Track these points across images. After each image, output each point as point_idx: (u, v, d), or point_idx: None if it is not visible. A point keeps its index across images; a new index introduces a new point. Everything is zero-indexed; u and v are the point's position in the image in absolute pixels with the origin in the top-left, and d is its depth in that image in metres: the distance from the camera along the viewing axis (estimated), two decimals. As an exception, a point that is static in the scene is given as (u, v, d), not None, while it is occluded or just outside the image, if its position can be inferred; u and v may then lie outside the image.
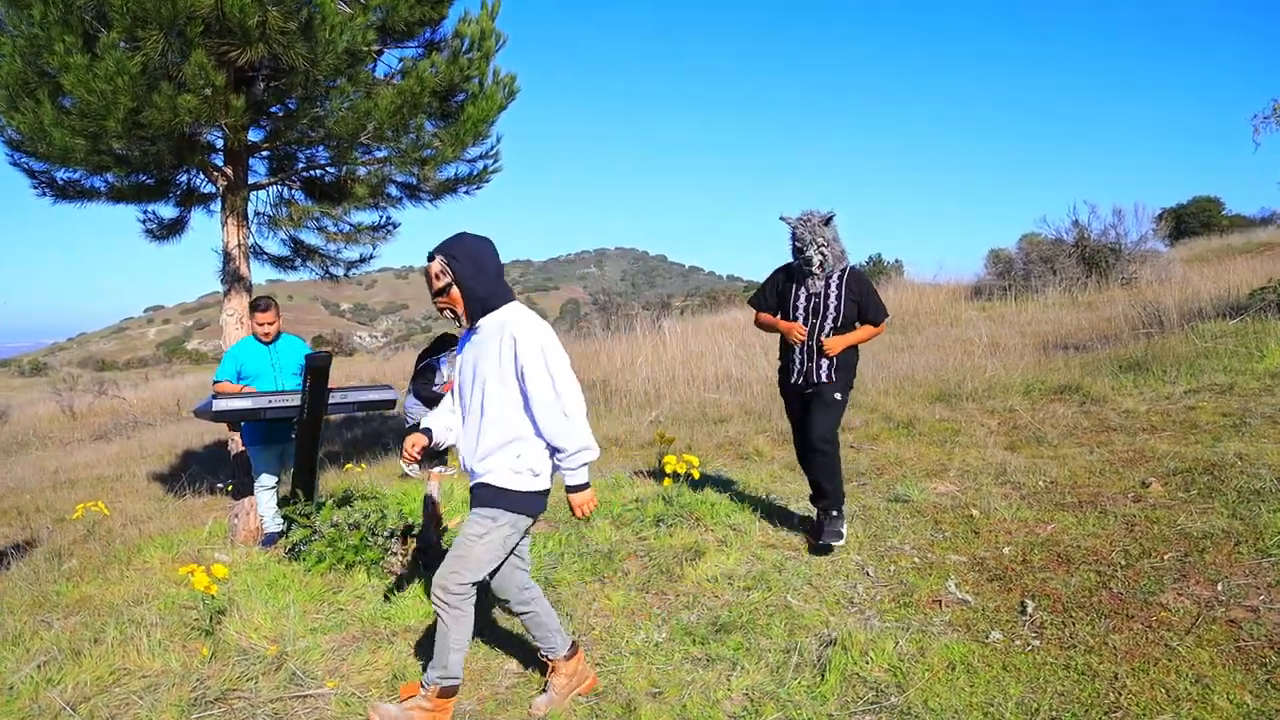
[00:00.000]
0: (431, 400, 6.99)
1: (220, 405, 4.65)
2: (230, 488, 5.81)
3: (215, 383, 5.36)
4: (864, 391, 8.72)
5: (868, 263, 29.06)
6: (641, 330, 15.56)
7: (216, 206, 5.85)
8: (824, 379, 4.19)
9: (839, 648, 3.17)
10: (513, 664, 3.32)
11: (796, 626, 3.49)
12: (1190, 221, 30.82)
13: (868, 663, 3.12)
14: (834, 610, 3.66)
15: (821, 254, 4.11)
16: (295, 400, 4.81)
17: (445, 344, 7.34)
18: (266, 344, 5.40)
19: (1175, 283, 14.21)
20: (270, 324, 5.37)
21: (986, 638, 3.28)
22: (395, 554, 4.35)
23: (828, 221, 4.14)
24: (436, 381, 7.16)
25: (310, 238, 6.26)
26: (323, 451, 9.43)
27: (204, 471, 9.37)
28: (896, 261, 28.53)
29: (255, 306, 5.41)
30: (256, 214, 5.74)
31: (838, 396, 4.21)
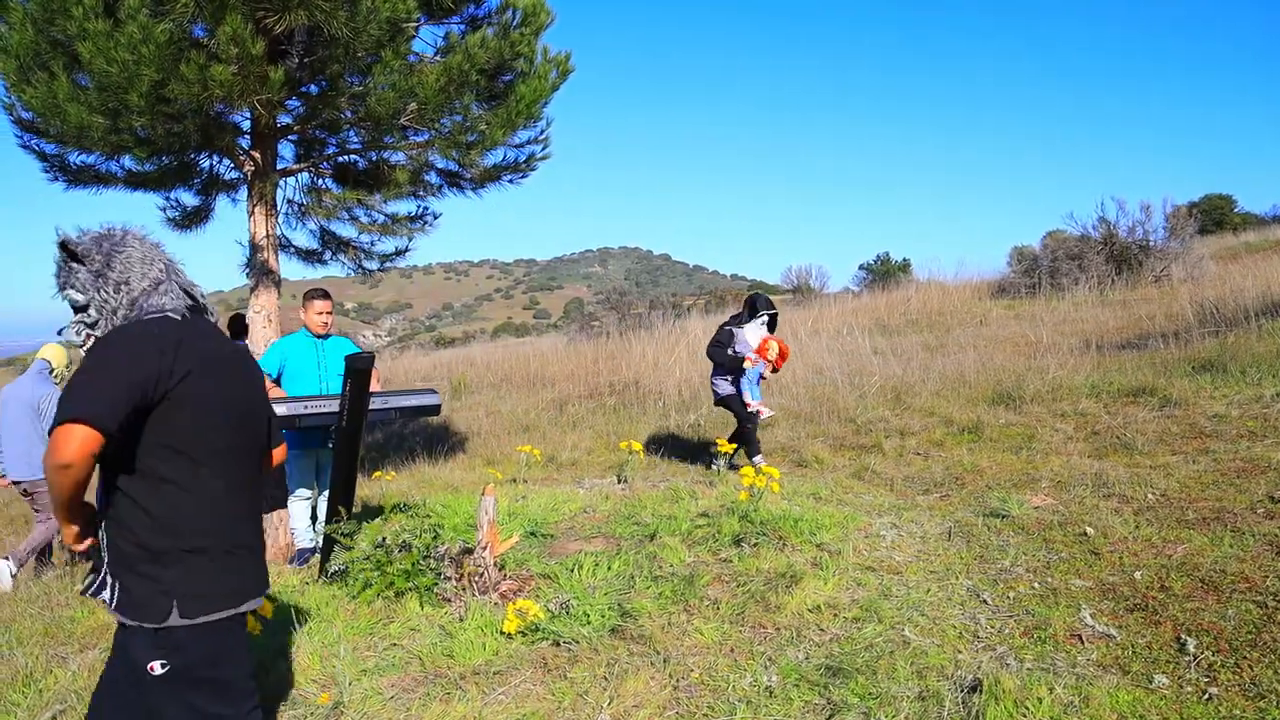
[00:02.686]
0: (727, 367, 6.40)
1: (252, 412, 4.20)
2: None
3: None
4: (916, 394, 8.29)
5: (875, 261, 28.41)
6: (662, 328, 15.14)
7: (241, 195, 5.42)
8: None
9: (987, 695, 2.72)
10: (605, 715, 2.88)
11: (924, 667, 3.05)
12: (1203, 219, 30.27)
13: (1025, 715, 2.67)
14: (959, 646, 3.22)
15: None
16: (334, 405, 4.36)
17: (756, 306, 6.61)
18: (320, 337, 4.97)
19: (1210, 280, 13.75)
20: (329, 313, 4.94)
21: (1150, 682, 2.84)
22: (450, 579, 3.90)
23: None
24: (734, 347, 6.44)
25: (342, 229, 5.82)
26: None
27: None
28: (904, 260, 27.98)
29: (312, 295, 4.97)
30: (287, 202, 5.29)
31: None
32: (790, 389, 9.22)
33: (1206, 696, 2.71)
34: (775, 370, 6.64)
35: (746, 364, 6.33)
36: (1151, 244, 16.77)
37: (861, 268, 28.84)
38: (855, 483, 5.72)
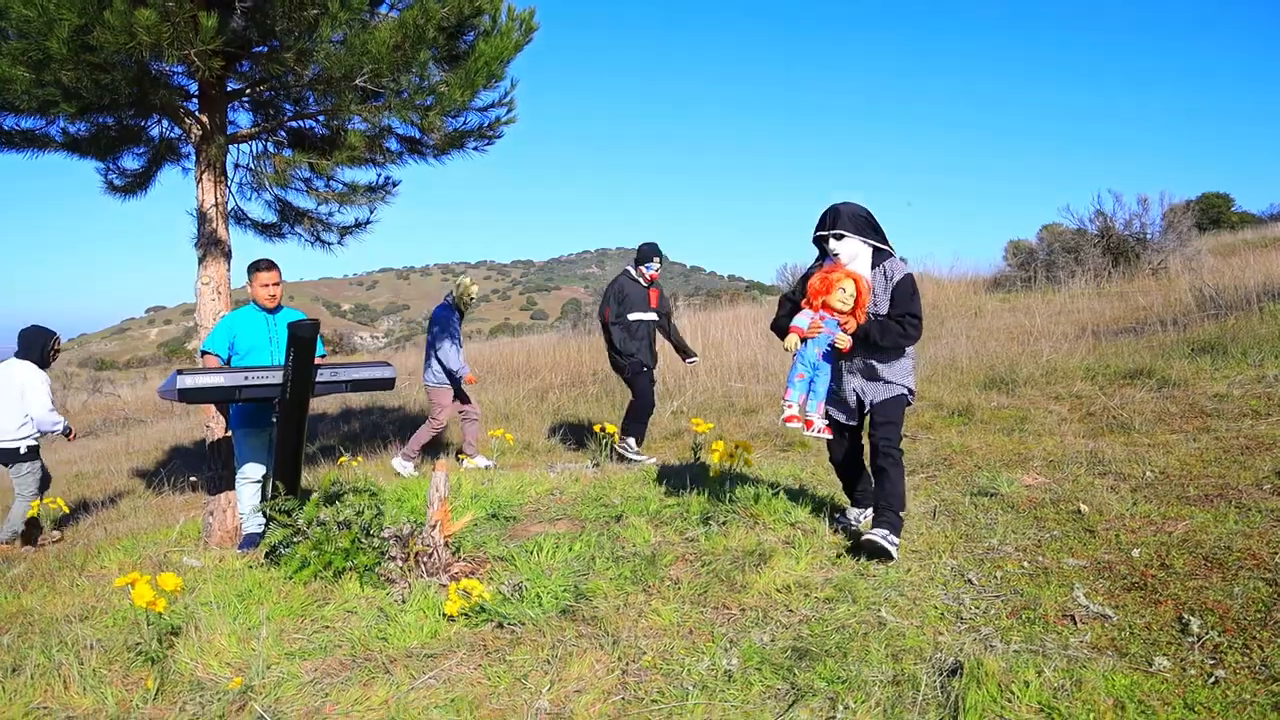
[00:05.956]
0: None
1: (186, 382, 3.91)
2: (198, 482, 5.11)
3: (203, 354, 4.63)
4: (905, 379, 8.01)
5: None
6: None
7: (193, 165, 5.13)
8: None
9: (968, 679, 2.44)
10: (543, 701, 2.59)
11: (900, 650, 2.76)
12: (1200, 218, 29.95)
13: (1010, 700, 2.39)
14: (941, 627, 2.94)
15: None
16: (277, 378, 4.08)
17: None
18: (270, 310, 4.68)
19: (1209, 272, 13.48)
20: (276, 285, 4.66)
21: (1149, 665, 2.55)
22: (394, 559, 3.62)
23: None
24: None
25: (300, 200, 5.53)
26: (315, 446, 8.71)
27: (186, 467, 8.65)
28: (901, 259, 27.68)
29: (257, 266, 4.68)
30: (236, 167, 5.00)
31: None
32: (777, 376, 8.94)
33: (1212, 680, 2.43)
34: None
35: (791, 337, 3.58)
36: (1149, 237, 16.52)
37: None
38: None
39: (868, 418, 3.74)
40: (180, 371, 3.93)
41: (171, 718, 2.43)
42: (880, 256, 3.69)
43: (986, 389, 7.19)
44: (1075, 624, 2.88)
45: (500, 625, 3.08)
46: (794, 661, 2.71)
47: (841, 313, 3.55)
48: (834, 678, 2.59)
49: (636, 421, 6.46)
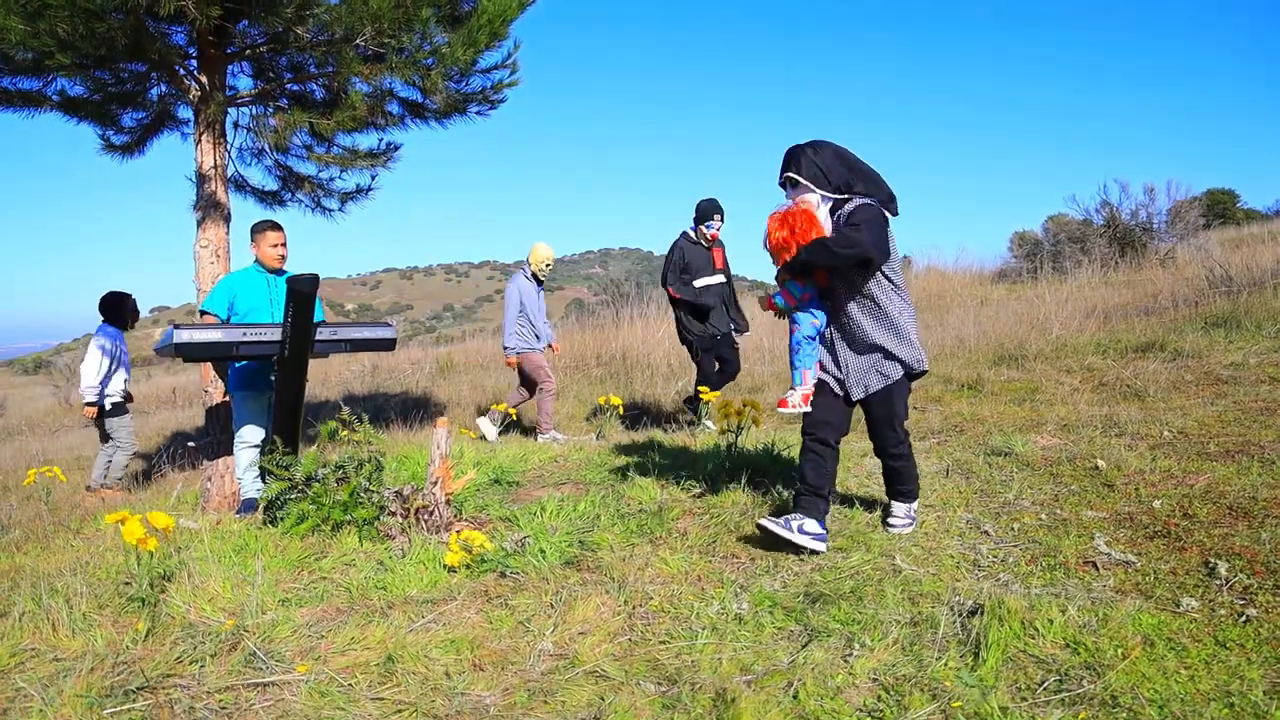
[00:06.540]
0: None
1: (183, 336, 3.83)
2: (196, 448, 5.02)
3: (201, 313, 4.53)
4: (913, 357, 7.91)
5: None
6: (656, 312, 14.77)
7: (191, 130, 5.04)
8: None
9: (989, 617, 2.34)
10: (546, 643, 2.50)
11: (916, 594, 2.67)
12: (1205, 213, 29.69)
13: (1034, 637, 2.29)
14: (957, 575, 2.84)
15: None
16: (276, 334, 3.99)
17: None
18: (275, 271, 4.57)
19: (1218, 257, 13.35)
20: (284, 245, 4.56)
21: (1178, 606, 2.46)
22: (394, 513, 3.53)
23: None
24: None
25: (300, 166, 5.44)
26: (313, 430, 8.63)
27: (186, 449, 8.57)
28: (905, 258, 27.53)
29: (264, 225, 4.57)
30: (236, 127, 4.91)
31: None
32: (782, 357, 8.83)
33: (1244, 618, 2.34)
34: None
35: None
36: (1155, 227, 16.38)
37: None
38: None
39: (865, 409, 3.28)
40: (176, 326, 3.84)
41: (161, 656, 2.34)
42: (842, 204, 3.14)
43: (996, 364, 7.08)
44: (1097, 570, 2.78)
45: (503, 575, 2.98)
46: (807, 605, 2.62)
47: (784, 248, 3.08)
48: (849, 619, 2.50)
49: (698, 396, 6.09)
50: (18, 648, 2.47)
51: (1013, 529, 3.22)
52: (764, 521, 3.05)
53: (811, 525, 3.05)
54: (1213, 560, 2.70)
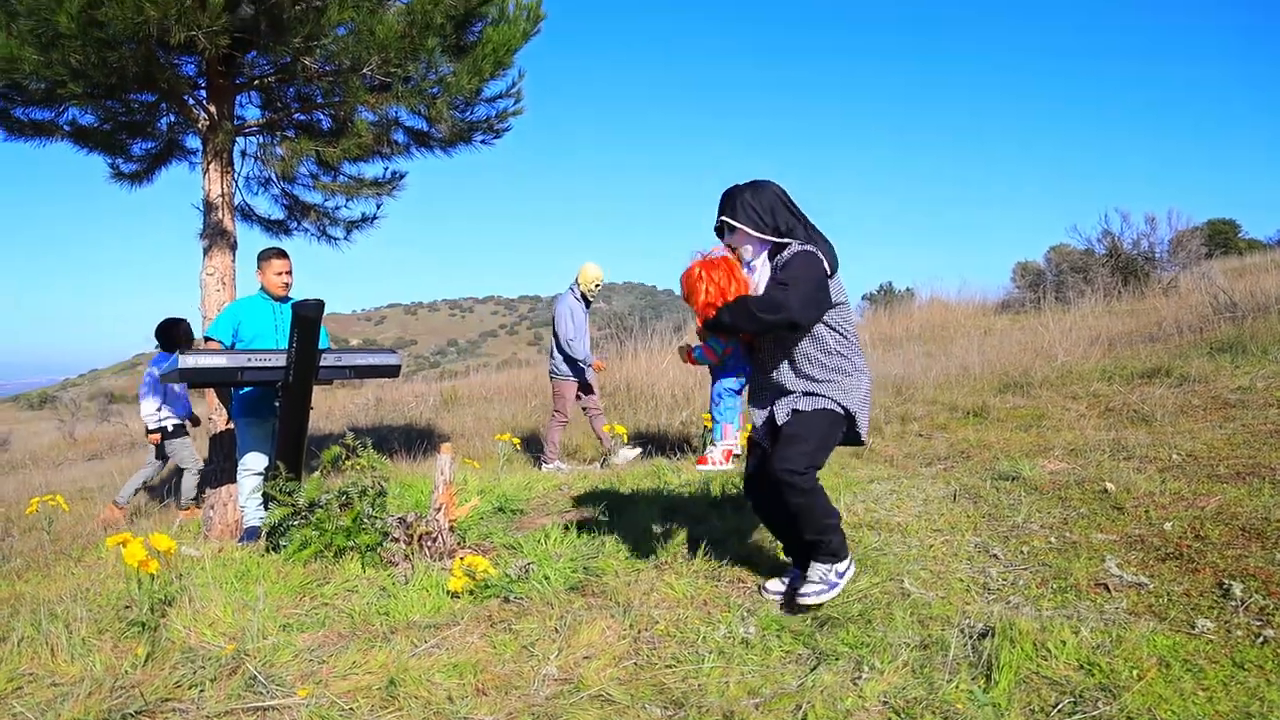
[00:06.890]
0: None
1: (188, 361, 3.83)
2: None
3: (206, 340, 4.54)
4: (918, 386, 7.90)
5: (878, 291, 27.94)
6: (660, 343, 14.80)
7: (199, 159, 5.11)
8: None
9: (1001, 638, 2.31)
10: (551, 667, 2.46)
11: (926, 617, 2.63)
12: (1206, 243, 29.72)
13: (1047, 659, 2.25)
14: (967, 598, 2.80)
15: None
16: (280, 360, 3.99)
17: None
18: (280, 299, 4.59)
19: (1222, 285, 13.36)
20: (289, 274, 4.58)
21: (1193, 627, 2.42)
22: (397, 540, 3.50)
23: None
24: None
25: (306, 195, 5.50)
26: (316, 460, 8.60)
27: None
28: (907, 289, 27.59)
29: (270, 253, 4.59)
30: (244, 155, 4.97)
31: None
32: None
33: (1261, 639, 2.30)
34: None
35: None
36: (1157, 256, 16.43)
37: (864, 298, 28.41)
38: (853, 459, 5.30)
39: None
40: (182, 351, 3.85)
41: (160, 681, 2.31)
42: (781, 249, 2.79)
43: (1001, 392, 7.06)
44: (1109, 592, 2.74)
45: (507, 600, 2.95)
46: (814, 628, 2.58)
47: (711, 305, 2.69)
48: (858, 643, 2.46)
49: None
50: (16, 673, 2.44)
51: (1022, 552, 3.18)
52: (803, 600, 2.68)
53: (840, 565, 2.76)
54: (1227, 581, 2.66)
